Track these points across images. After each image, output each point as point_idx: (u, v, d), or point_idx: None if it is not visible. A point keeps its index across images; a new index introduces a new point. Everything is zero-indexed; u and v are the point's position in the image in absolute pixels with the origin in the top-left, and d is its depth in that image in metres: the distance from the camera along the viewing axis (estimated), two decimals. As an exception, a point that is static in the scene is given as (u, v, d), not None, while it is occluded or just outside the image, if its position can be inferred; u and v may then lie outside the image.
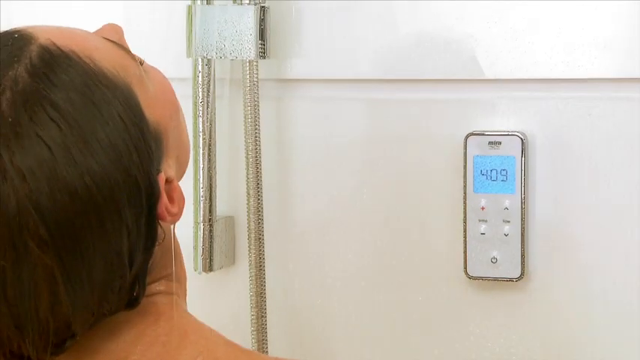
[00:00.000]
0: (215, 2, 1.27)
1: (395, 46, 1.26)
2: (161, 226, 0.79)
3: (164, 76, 0.85)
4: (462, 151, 1.23)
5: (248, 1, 1.25)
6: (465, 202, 1.23)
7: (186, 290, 0.87)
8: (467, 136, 1.22)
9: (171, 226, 0.84)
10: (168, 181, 0.80)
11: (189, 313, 0.84)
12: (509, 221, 1.22)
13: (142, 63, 0.82)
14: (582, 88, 1.21)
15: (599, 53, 1.19)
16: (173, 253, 0.84)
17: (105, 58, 0.78)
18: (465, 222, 1.24)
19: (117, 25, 0.85)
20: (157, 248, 0.80)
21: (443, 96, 1.26)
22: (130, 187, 0.75)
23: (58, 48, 0.76)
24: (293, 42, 1.29)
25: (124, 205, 0.74)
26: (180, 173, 0.85)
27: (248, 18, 1.24)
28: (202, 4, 1.26)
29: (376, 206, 1.29)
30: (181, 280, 0.86)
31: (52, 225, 0.71)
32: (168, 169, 0.80)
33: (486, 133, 1.22)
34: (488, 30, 1.22)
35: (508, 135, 1.21)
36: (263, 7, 1.25)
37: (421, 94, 1.27)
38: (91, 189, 0.72)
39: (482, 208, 1.22)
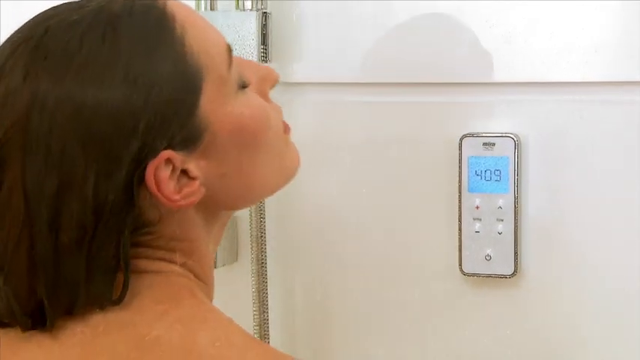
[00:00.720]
0: (218, 8, 1.28)
1: (393, 51, 1.26)
2: (153, 196, 0.78)
3: (267, 116, 0.86)
4: (457, 152, 1.23)
5: (250, 7, 1.26)
6: (460, 202, 1.24)
7: (212, 282, 0.88)
8: (462, 138, 1.23)
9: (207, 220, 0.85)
10: (189, 175, 0.80)
11: (209, 303, 0.85)
12: (502, 220, 1.22)
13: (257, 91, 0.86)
14: (574, 91, 1.21)
15: (590, 57, 1.19)
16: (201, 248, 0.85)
17: (197, 41, 0.81)
18: (460, 220, 1.24)
19: (274, 74, 0.89)
20: (176, 228, 0.81)
21: (439, 99, 1.26)
22: (125, 130, 0.76)
23: (165, 7, 0.81)
24: (294, 46, 1.30)
25: (108, 139, 0.75)
26: (225, 198, 0.84)
27: (250, 23, 1.25)
28: (206, 9, 1.27)
29: (375, 205, 1.30)
30: (206, 272, 0.87)
31: (35, 112, 0.75)
32: (189, 163, 0.80)
33: (481, 135, 1.22)
34: (483, 35, 1.23)
35: (502, 136, 1.22)
36: (265, 12, 1.26)
37: (418, 97, 1.27)
38: (85, 105, 0.75)
39: (477, 207, 1.23)
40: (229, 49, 0.85)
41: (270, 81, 0.90)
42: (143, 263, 0.82)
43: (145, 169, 0.77)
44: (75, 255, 0.77)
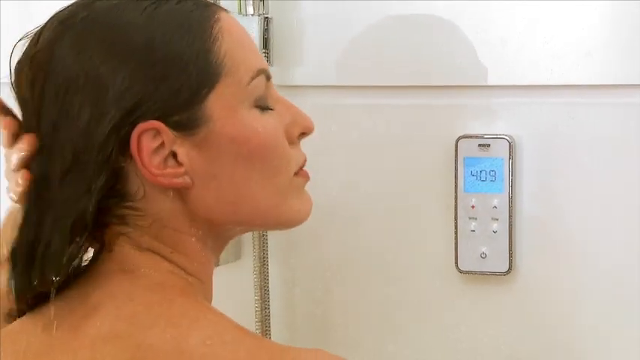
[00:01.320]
0: (221, 13, 1.31)
1: (391, 55, 1.27)
2: (135, 161, 0.81)
3: (276, 143, 0.86)
4: (454, 153, 1.24)
5: (252, 12, 1.27)
6: (456, 201, 1.25)
7: (209, 280, 0.89)
8: (458, 139, 1.24)
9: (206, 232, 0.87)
10: (177, 160, 0.82)
11: (202, 300, 0.85)
12: (497, 219, 1.23)
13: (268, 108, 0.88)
14: (567, 93, 1.22)
15: (581, 61, 1.20)
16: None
17: (228, 47, 0.85)
18: (456, 220, 1.25)
19: (307, 122, 0.91)
20: (167, 218, 0.84)
21: (436, 101, 1.27)
22: (126, 86, 0.80)
23: (217, 11, 0.86)
24: (295, 50, 1.31)
25: (108, 87, 0.80)
26: (213, 203, 0.85)
27: (252, 28, 1.26)
28: (209, 14, 1.30)
29: (373, 205, 1.31)
30: (198, 268, 0.87)
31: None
32: (180, 147, 0.82)
33: (476, 136, 1.23)
34: (479, 39, 1.23)
35: (497, 138, 1.22)
36: (267, 17, 1.28)
37: (416, 99, 1.28)
38: (96, 66, 0.81)
39: (473, 207, 1.24)
40: (263, 72, 0.87)
41: (299, 125, 0.90)
42: (132, 257, 0.84)
43: (132, 129, 0.81)
44: (52, 188, 0.81)
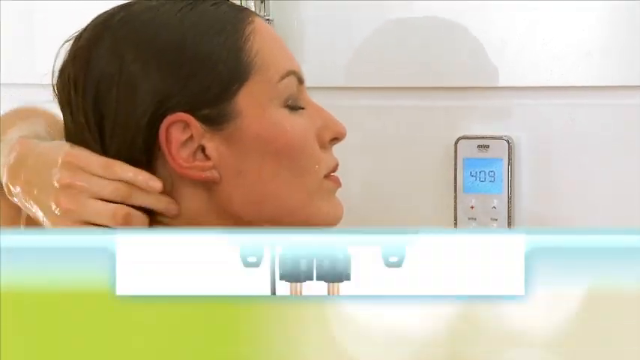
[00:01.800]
0: (222, 15, 1.32)
1: (391, 56, 1.28)
2: (163, 153, 0.83)
3: (304, 144, 0.87)
4: (453, 153, 1.25)
5: None
6: (455, 202, 1.25)
7: None
8: (457, 140, 1.24)
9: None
10: (205, 154, 0.83)
11: None
12: (496, 219, 1.24)
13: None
14: (566, 95, 1.22)
15: (581, 63, 1.20)
16: None
17: (260, 46, 0.86)
18: (455, 220, 1.25)
19: (339, 127, 0.92)
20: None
21: (435, 102, 1.27)
22: (157, 81, 0.82)
23: (250, 15, 0.87)
24: (295, 52, 1.23)
25: (139, 83, 0.82)
26: (239, 199, 0.85)
27: None
28: (210, 16, 1.31)
29: (373, 205, 1.31)
30: None
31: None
32: (209, 142, 0.83)
33: (475, 137, 1.24)
34: (479, 40, 1.24)
35: (496, 139, 1.23)
36: (268, 19, 1.28)
37: (416, 100, 1.28)
38: (126, 67, 0.83)
39: (472, 207, 1.25)
40: (293, 73, 0.88)
41: (331, 130, 0.91)
42: None
43: (161, 122, 0.82)
44: None
